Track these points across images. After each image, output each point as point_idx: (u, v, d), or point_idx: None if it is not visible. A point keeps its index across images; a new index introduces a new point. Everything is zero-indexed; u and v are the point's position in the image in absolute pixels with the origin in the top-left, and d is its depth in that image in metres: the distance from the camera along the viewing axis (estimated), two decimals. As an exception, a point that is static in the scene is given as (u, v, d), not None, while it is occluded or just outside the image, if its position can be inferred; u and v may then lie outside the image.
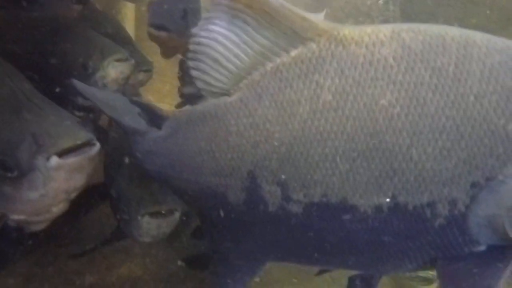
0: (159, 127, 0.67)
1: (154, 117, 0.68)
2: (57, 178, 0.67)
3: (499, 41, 0.50)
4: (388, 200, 0.50)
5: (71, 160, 0.66)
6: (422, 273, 1.10)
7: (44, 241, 0.92)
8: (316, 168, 0.52)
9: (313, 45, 0.54)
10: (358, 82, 0.51)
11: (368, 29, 0.53)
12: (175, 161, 0.65)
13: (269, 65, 0.56)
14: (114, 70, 0.98)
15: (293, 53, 0.55)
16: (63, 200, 0.72)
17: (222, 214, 0.62)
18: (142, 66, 1.23)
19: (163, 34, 1.09)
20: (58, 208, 0.72)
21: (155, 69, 1.30)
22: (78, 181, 0.70)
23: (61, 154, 0.66)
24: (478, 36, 0.50)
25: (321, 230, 0.55)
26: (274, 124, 0.54)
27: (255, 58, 0.56)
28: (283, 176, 0.54)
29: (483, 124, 0.47)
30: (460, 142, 0.48)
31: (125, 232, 0.89)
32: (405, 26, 0.53)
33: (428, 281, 1.13)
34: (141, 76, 1.25)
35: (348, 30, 0.54)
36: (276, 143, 0.54)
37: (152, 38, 1.15)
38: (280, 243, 0.61)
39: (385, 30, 0.52)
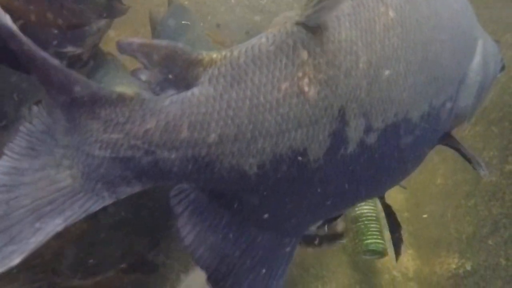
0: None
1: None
2: None
3: None
4: (427, 106, 0.54)
5: None
6: (373, 247, 1.14)
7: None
8: (394, 86, 0.50)
9: None
10: None
11: None
12: (239, 128, 0.44)
13: None
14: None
15: None
16: None
17: (295, 181, 0.49)
18: None
19: None
20: None
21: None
22: None
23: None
24: None
25: (383, 158, 0.52)
26: (359, 44, 0.48)
27: None
28: (369, 103, 0.49)
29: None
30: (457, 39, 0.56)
31: None
32: None
33: (380, 253, 1.16)
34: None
35: None
36: (365, 66, 0.48)
37: None
38: (341, 192, 0.53)
39: None
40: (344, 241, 1.12)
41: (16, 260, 0.39)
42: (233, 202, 0.48)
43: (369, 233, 1.14)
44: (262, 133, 0.45)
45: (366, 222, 1.16)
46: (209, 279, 0.48)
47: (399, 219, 1.55)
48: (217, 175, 0.45)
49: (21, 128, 0.45)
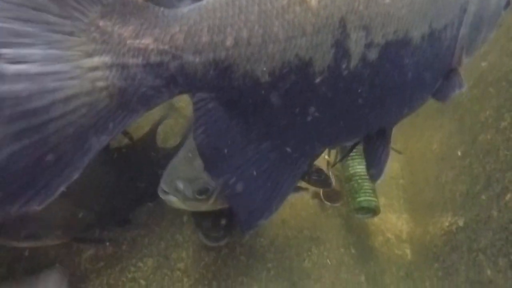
0: None
1: None
2: None
3: None
4: (427, 27, 0.55)
5: None
6: (365, 204, 1.14)
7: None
8: (391, 1, 0.51)
9: None
10: None
11: None
12: (251, 32, 0.47)
13: None
14: None
15: None
16: None
17: (303, 94, 0.50)
18: None
19: None
20: None
21: None
22: None
23: None
24: None
25: (386, 77, 0.53)
26: None
27: None
28: (368, 17, 0.50)
29: None
30: None
31: None
32: None
33: (373, 211, 1.16)
34: None
35: None
36: None
37: None
38: (347, 111, 0.54)
39: None
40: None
41: (75, 176, 0.43)
42: (245, 112, 0.51)
43: (362, 191, 1.14)
44: (272, 38, 0.47)
45: (359, 181, 1.15)
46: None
47: (394, 185, 1.55)
48: (234, 81, 0.48)
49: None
